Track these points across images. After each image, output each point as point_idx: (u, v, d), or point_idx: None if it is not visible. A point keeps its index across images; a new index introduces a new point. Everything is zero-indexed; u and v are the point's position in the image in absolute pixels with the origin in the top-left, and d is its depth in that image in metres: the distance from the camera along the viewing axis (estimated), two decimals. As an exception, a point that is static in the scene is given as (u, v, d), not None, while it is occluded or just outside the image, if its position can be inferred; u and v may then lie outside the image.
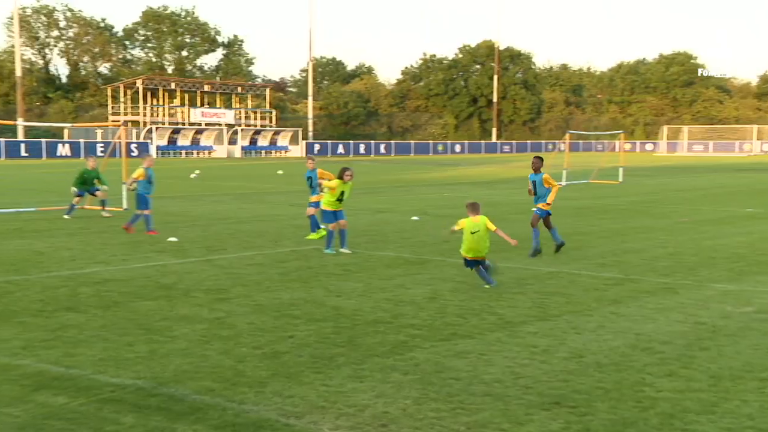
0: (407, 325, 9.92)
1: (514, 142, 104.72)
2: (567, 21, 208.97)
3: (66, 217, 21.30)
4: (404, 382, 7.66)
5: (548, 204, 16.24)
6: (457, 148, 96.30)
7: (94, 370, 7.84)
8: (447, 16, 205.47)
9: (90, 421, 6.54)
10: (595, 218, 23.30)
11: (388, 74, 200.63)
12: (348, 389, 7.43)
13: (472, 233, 12.31)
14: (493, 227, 12.42)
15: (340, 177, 16.12)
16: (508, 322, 10.18)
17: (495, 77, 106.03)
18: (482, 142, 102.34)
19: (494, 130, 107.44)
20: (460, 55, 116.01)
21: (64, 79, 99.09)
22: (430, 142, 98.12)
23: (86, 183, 21.83)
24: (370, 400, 7.14)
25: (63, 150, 66.14)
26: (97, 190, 21.85)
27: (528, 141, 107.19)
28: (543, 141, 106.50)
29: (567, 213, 24.84)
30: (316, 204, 17.83)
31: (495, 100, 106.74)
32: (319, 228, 17.80)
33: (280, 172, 48.98)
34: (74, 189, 21.83)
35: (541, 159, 16.62)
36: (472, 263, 12.54)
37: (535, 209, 16.18)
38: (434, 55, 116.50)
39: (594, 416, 6.81)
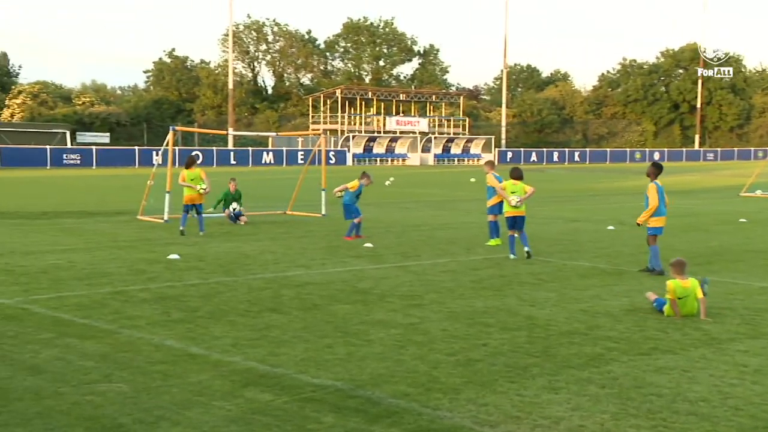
0: (604, 338, 9.64)
1: (718, 149, 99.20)
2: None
3: (232, 222, 21.87)
4: (601, 396, 7.45)
5: (646, 220, 14.32)
6: (656, 155, 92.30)
7: (296, 370, 8.19)
8: (648, 19, 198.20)
9: (293, 419, 6.84)
10: (811, 231, 21.64)
11: (584, 80, 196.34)
12: (543, 400, 7.32)
13: (680, 298, 10.76)
14: (701, 294, 10.88)
15: (519, 177, 16.10)
16: (714, 339, 9.65)
17: (699, 81, 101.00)
18: (683, 149, 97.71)
19: (697, 137, 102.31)
20: (662, 59, 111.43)
21: (269, 90, 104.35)
22: (627, 149, 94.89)
23: (227, 204, 22.36)
24: (565, 413, 7.00)
25: (267, 158, 69.64)
26: (242, 215, 22.06)
27: (735, 148, 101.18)
28: (752, 148, 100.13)
29: (779, 225, 23.29)
30: (494, 209, 17.87)
31: (699, 105, 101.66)
32: (497, 236, 17.94)
33: (472, 179, 49.07)
34: (211, 209, 22.33)
35: (657, 166, 14.58)
36: None
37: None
38: (634, 60, 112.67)
39: (812, 444, 6.33)
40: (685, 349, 9.18)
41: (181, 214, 19.79)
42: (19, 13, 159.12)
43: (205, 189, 19.57)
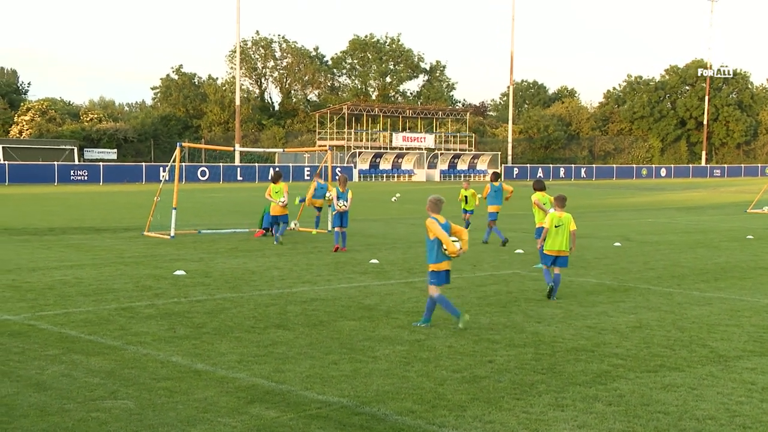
0: (610, 354, 9.61)
1: (725, 165, 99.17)
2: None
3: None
4: (608, 413, 7.42)
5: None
6: (663, 172, 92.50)
7: (301, 387, 8.18)
8: (654, 36, 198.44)
9: (298, 435, 6.82)
10: (819, 247, 21.55)
11: (590, 97, 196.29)
12: (549, 418, 7.29)
13: (556, 227, 13.12)
14: (573, 227, 13.28)
15: (543, 188, 17.72)
16: (722, 356, 9.61)
17: (706, 98, 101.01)
18: (690, 166, 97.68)
19: (704, 154, 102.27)
20: (667, 76, 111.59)
21: (276, 107, 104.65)
22: (634, 166, 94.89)
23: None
24: (572, 431, 6.97)
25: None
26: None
27: (742, 165, 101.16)
28: (759, 165, 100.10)
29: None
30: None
31: (705, 122, 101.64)
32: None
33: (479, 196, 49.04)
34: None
35: (494, 173, 20.15)
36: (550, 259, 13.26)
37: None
38: (640, 77, 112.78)
39: (820, 463, 6.28)
40: (692, 366, 9.14)
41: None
42: (29, 31, 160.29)
43: (283, 201, 21.10)
